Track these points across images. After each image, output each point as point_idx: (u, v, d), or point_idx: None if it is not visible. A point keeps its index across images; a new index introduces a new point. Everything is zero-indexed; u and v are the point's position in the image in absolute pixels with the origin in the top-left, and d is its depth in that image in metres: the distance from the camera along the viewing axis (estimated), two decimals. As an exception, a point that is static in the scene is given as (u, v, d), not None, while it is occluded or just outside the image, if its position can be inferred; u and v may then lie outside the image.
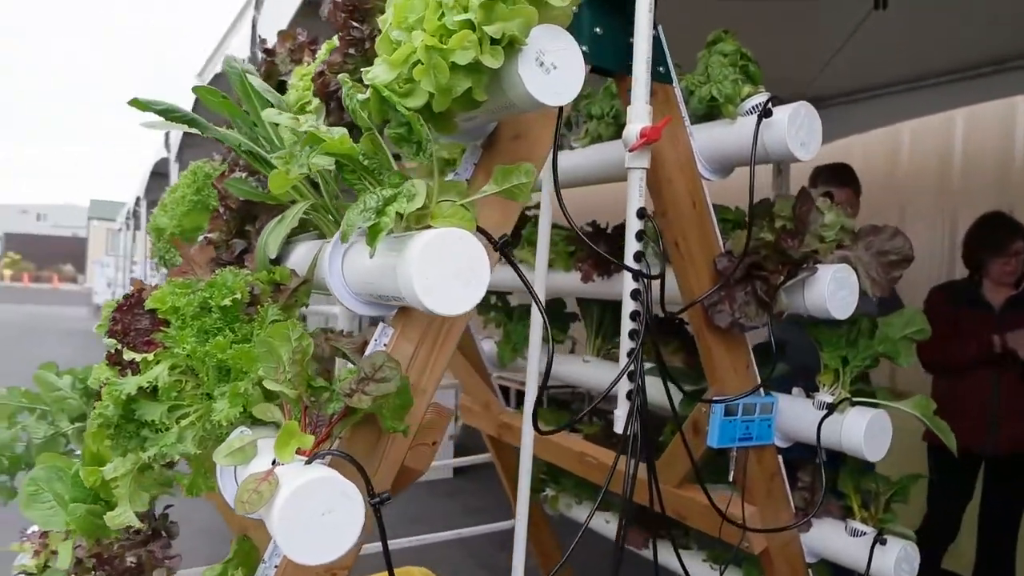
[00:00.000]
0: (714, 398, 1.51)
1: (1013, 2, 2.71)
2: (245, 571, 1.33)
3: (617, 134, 1.69)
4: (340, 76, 1.02)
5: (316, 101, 1.28)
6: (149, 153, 10.05)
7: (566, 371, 2.35)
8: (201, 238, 1.47)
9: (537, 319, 1.58)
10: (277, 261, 1.42)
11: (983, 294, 3.05)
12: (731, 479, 1.57)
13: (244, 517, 0.90)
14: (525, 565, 1.56)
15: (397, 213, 0.95)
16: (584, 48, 1.33)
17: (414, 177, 1.01)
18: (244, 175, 1.32)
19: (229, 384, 1.04)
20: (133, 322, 1.13)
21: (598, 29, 1.33)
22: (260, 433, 1.02)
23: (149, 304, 1.11)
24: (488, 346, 2.61)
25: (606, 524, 2.32)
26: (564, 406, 5.15)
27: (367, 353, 1.09)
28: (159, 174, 9.58)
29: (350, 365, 1.08)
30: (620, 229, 1.76)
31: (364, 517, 0.90)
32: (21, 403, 1.82)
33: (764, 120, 1.38)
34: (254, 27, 3.53)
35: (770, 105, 1.39)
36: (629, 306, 1.31)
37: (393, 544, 2.93)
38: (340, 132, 0.95)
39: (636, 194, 1.30)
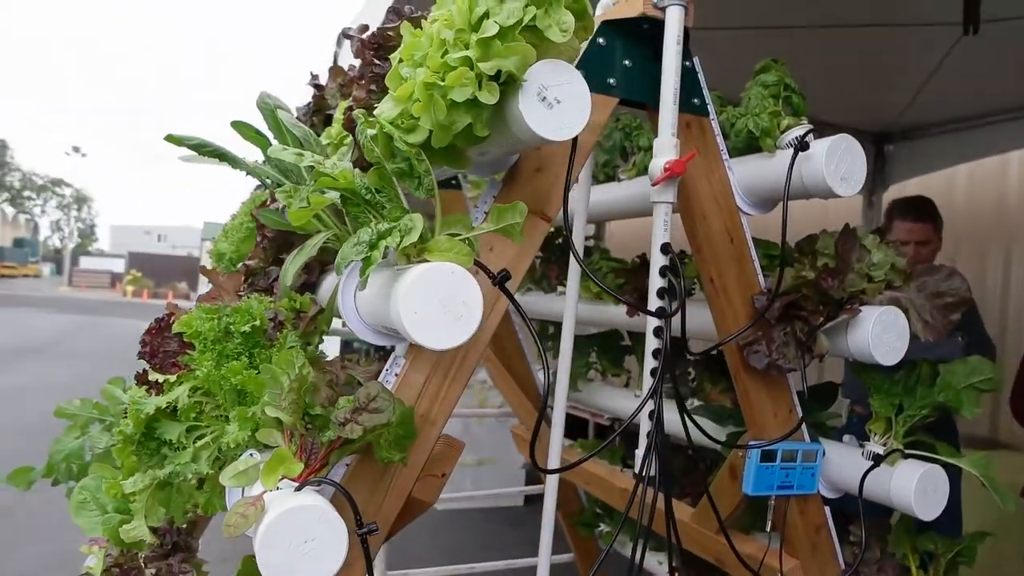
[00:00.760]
0: (750, 443, 1.44)
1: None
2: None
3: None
4: (355, 111, 1.05)
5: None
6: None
7: (618, 406, 2.31)
8: (240, 265, 1.53)
9: (566, 351, 1.56)
10: (312, 289, 1.47)
11: None
12: (768, 528, 1.49)
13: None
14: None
15: (400, 247, 0.96)
16: (612, 80, 1.32)
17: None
18: (280, 206, 1.37)
19: (241, 408, 1.08)
20: (162, 344, 1.19)
21: (627, 62, 1.32)
22: (267, 457, 1.05)
23: (176, 328, 1.17)
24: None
25: (659, 565, 2.24)
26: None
27: (374, 382, 1.11)
28: (261, 198, 10.08)
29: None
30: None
31: (347, 547, 0.90)
32: (92, 414, 1.95)
33: (802, 153, 1.32)
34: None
35: (808, 138, 1.32)
36: (652, 343, 1.27)
37: (447, 571, 2.92)
38: (343, 167, 0.98)
39: (660, 229, 1.27)
